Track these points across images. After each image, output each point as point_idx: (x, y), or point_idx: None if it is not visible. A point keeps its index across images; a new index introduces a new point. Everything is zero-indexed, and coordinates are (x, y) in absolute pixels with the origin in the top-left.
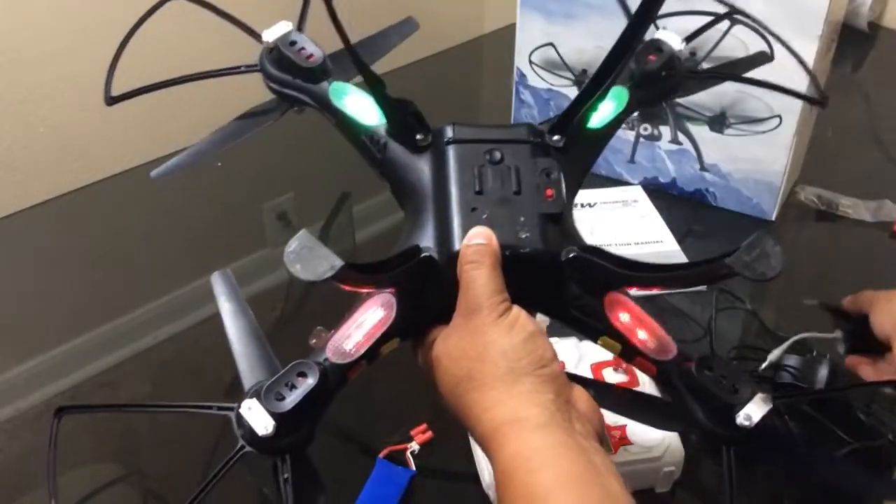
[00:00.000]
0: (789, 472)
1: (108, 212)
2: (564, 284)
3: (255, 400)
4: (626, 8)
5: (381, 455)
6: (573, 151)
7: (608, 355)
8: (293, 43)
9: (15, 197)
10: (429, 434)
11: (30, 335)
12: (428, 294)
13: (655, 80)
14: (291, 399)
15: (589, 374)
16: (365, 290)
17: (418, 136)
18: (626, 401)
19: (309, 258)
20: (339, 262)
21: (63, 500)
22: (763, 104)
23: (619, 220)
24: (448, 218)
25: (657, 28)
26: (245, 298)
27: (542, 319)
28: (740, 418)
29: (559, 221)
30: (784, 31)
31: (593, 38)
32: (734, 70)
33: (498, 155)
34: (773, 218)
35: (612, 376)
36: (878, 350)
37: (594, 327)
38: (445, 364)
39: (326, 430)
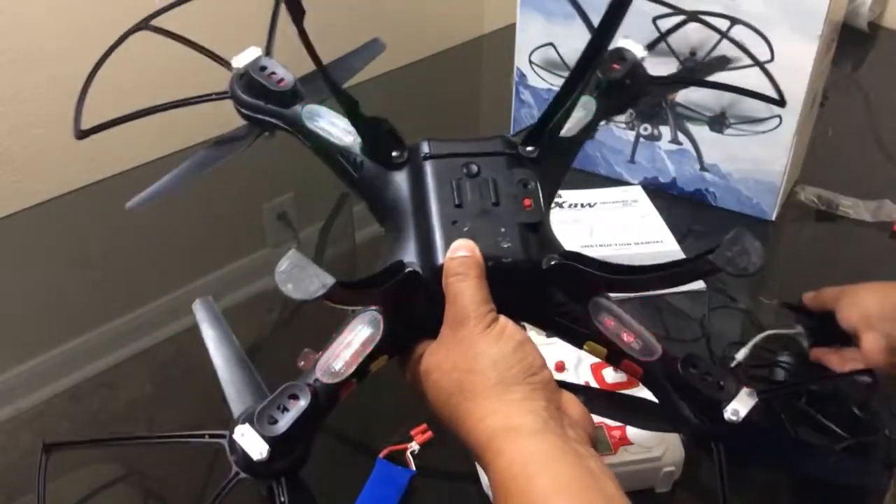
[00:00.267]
0: (778, 466)
1: (108, 212)
2: (547, 292)
3: (247, 425)
4: (586, 20)
5: (381, 455)
6: (547, 161)
7: None
8: (263, 68)
9: (15, 197)
10: (429, 434)
11: (30, 335)
12: (414, 309)
13: (621, 87)
14: (284, 422)
15: (589, 375)
16: (351, 308)
17: (394, 153)
18: (614, 404)
19: (300, 277)
20: (330, 281)
21: (62, 499)
22: (763, 104)
23: (619, 220)
24: (429, 232)
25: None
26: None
27: None
28: (728, 413)
29: (538, 230)
30: (784, 31)
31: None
32: (695, 75)
33: (475, 168)
34: (773, 218)
35: (612, 377)
36: (841, 343)
37: (579, 333)
38: (435, 377)
39: (326, 431)
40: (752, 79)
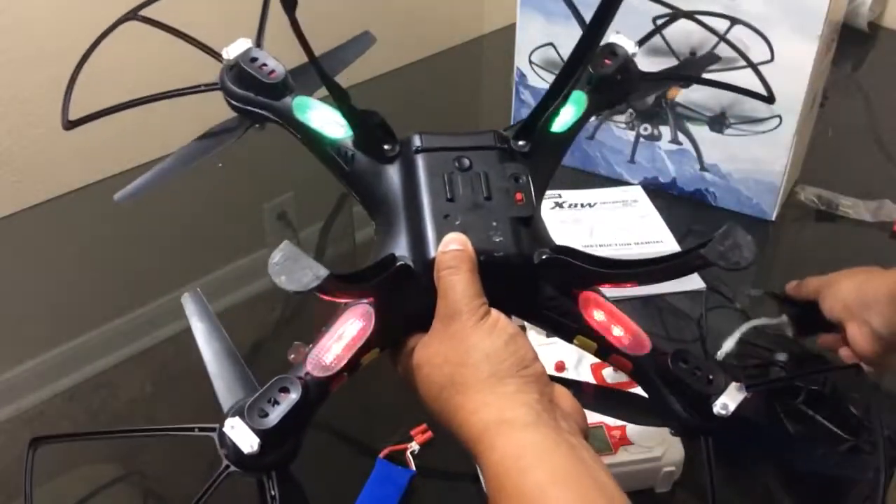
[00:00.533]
0: (767, 459)
1: (108, 212)
2: (538, 286)
3: (237, 418)
4: (578, 16)
5: (381, 455)
6: (538, 155)
7: None
8: (254, 59)
9: (15, 197)
10: (429, 434)
11: (30, 335)
12: (405, 302)
13: (611, 83)
14: (275, 415)
15: (589, 375)
16: (343, 301)
17: (386, 147)
18: (604, 399)
19: (293, 269)
20: (323, 272)
21: (60, 499)
22: (763, 104)
23: (619, 220)
24: (421, 226)
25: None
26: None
27: None
28: (717, 408)
29: (530, 224)
30: (784, 31)
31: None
32: (686, 71)
33: (466, 162)
34: (773, 218)
35: (612, 376)
36: (825, 331)
37: (569, 327)
38: (427, 371)
39: (326, 430)
40: (752, 77)
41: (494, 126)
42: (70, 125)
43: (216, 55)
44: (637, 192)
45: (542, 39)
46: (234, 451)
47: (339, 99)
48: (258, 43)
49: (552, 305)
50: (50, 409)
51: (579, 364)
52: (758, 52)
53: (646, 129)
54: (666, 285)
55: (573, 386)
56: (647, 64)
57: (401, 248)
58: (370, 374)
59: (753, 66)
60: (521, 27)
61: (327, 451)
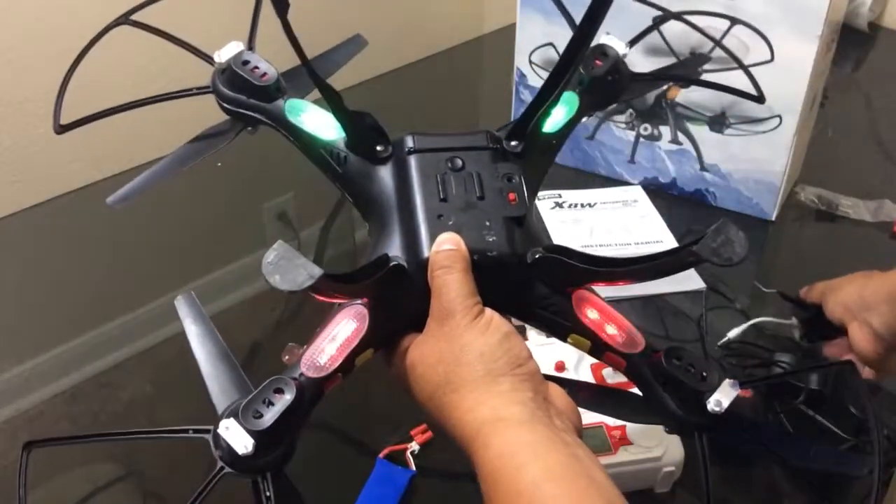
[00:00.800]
0: (760, 455)
1: (108, 212)
2: (532, 285)
3: (232, 419)
4: (568, 16)
5: (381, 455)
6: (530, 156)
7: None
8: (246, 62)
9: (15, 197)
10: (429, 434)
11: (30, 335)
12: (399, 303)
13: (603, 84)
14: (270, 416)
15: (589, 375)
16: (337, 301)
17: (378, 148)
18: (599, 397)
19: (287, 268)
20: (317, 272)
21: (58, 501)
22: (763, 104)
23: (619, 220)
24: (415, 226)
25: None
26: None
27: None
28: (711, 405)
29: (523, 224)
30: (784, 31)
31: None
32: (678, 71)
33: (459, 162)
34: (773, 218)
35: (612, 376)
36: (832, 335)
37: (563, 326)
38: (421, 371)
39: (326, 430)
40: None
41: (495, 126)
42: (62, 129)
43: (208, 58)
44: (637, 192)
45: (542, 39)
46: (229, 452)
47: (332, 101)
48: (250, 46)
49: (546, 304)
50: (50, 409)
51: (579, 364)
52: (758, 52)
53: (646, 129)
54: (666, 285)
55: (567, 385)
56: (647, 63)
57: (394, 249)
58: (370, 374)
59: (744, 68)
60: (521, 27)
61: (327, 451)
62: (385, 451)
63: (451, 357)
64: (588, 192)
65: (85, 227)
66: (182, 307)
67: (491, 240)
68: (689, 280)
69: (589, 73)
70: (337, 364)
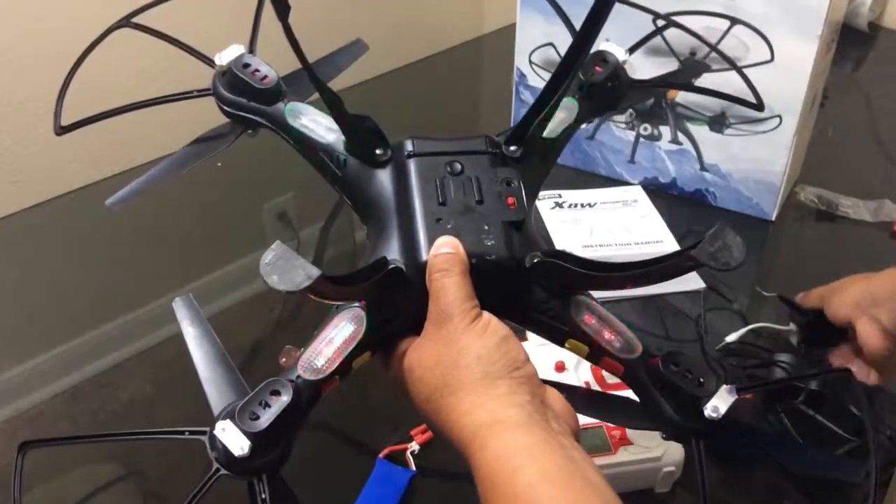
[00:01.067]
0: (758, 461)
1: (108, 212)
2: (530, 290)
3: (228, 421)
4: (567, 22)
5: (381, 455)
6: (530, 161)
7: None
8: (246, 65)
9: (15, 197)
10: (429, 434)
11: (30, 335)
12: (397, 305)
13: (602, 90)
14: (266, 418)
15: (589, 376)
16: (335, 303)
17: (378, 151)
18: (596, 402)
19: (285, 268)
20: (315, 272)
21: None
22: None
23: (619, 220)
24: (413, 229)
25: None
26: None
27: None
28: (708, 410)
29: (521, 228)
30: (784, 31)
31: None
32: (676, 78)
33: (458, 166)
34: (773, 218)
35: (612, 378)
36: (831, 342)
37: (561, 331)
38: (419, 374)
39: (326, 430)
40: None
41: (494, 127)
42: (62, 131)
43: (209, 61)
44: (637, 192)
45: (542, 39)
46: (225, 453)
47: (332, 104)
48: (251, 49)
49: (544, 309)
50: (50, 409)
51: (579, 364)
52: (758, 52)
53: (646, 129)
54: (666, 285)
55: (565, 389)
56: (647, 64)
57: (393, 252)
58: (370, 374)
59: (743, 75)
60: (521, 27)
61: (327, 451)
62: (385, 451)
63: (448, 360)
64: (588, 192)
65: (85, 227)
66: (180, 309)
67: (489, 244)
68: (688, 280)
69: (589, 79)
70: (334, 367)
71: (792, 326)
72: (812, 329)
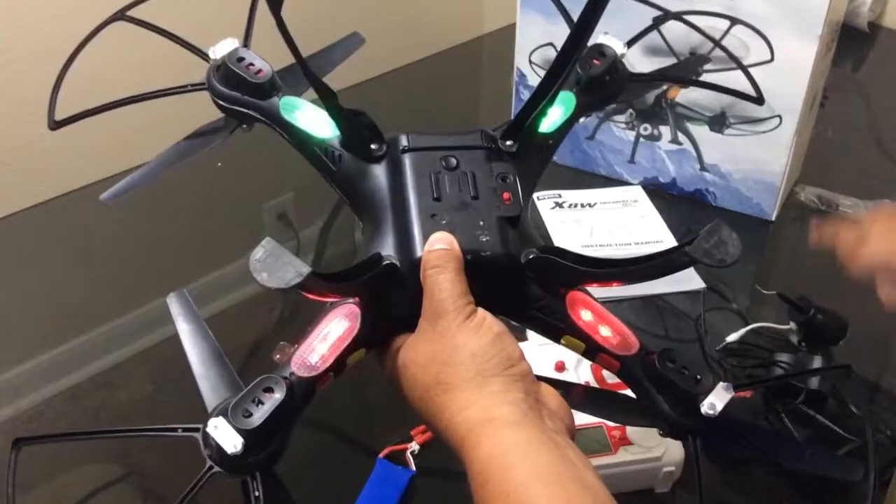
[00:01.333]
0: (755, 459)
1: (109, 212)
2: (525, 286)
3: (221, 418)
4: (566, 15)
5: (381, 455)
6: (526, 156)
7: None
8: (241, 59)
9: (15, 197)
10: (429, 434)
11: (30, 335)
12: (391, 302)
13: (600, 83)
14: (259, 415)
15: (589, 375)
16: (329, 300)
17: (373, 146)
18: (592, 399)
19: (275, 266)
20: (305, 269)
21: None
22: (762, 105)
23: (619, 220)
24: (408, 225)
25: None
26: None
27: None
28: (704, 408)
29: (517, 224)
30: (784, 31)
31: (593, 38)
32: (676, 72)
33: (454, 161)
34: (773, 218)
35: (612, 377)
36: (831, 341)
37: (557, 327)
38: (413, 371)
39: (326, 430)
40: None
41: (494, 127)
42: (56, 125)
43: (203, 55)
44: (637, 192)
45: (542, 39)
46: (218, 451)
47: (326, 98)
48: (246, 43)
49: (539, 305)
50: (49, 409)
51: (580, 364)
52: (758, 52)
53: (646, 129)
54: (666, 285)
55: (560, 386)
56: (647, 64)
57: (387, 248)
58: (370, 373)
59: (744, 69)
60: (521, 27)
61: (327, 451)
62: (385, 451)
63: (442, 357)
64: (588, 192)
65: (85, 227)
66: (174, 305)
67: (484, 240)
68: (688, 280)
69: (586, 73)
70: (328, 363)
71: (792, 325)
72: (811, 327)
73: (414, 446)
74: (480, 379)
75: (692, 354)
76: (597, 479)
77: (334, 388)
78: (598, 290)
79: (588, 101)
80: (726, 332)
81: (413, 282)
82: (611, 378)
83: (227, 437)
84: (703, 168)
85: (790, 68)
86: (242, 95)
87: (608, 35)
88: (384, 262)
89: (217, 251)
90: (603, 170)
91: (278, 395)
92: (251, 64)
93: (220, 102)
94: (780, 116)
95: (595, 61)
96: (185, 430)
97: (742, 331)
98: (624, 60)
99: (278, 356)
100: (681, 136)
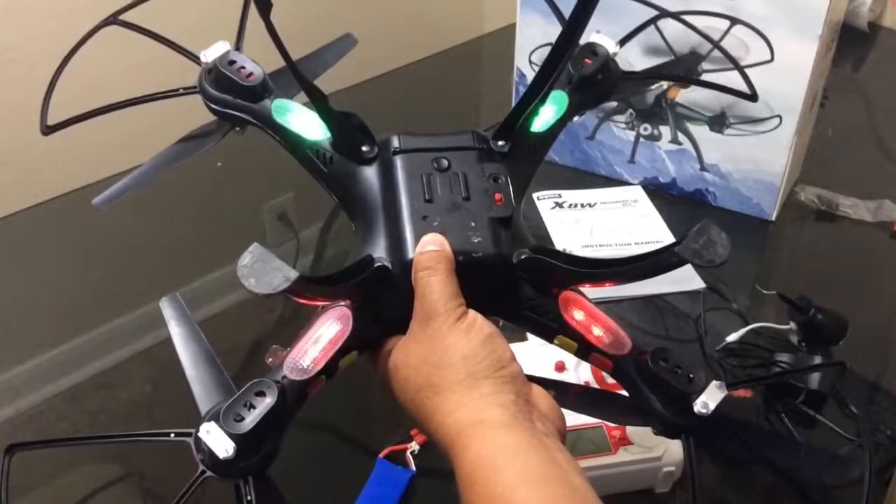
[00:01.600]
0: (749, 458)
1: (109, 212)
2: (518, 286)
3: (213, 423)
4: (558, 13)
5: (381, 455)
6: (518, 156)
7: None
8: (232, 62)
9: (15, 197)
10: None
11: (29, 335)
12: (383, 304)
13: (592, 82)
14: (251, 419)
15: (589, 375)
16: (320, 304)
17: (364, 148)
18: (586, 398)
19: (263, 271)
20: (293, 274)
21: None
22: (763, 104)
23: (619, 220)
24: (399, 227)
25: None
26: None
27: None
28: (697, 406)
29: (509, 225)
30: (784, 31)
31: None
32: (669, 70)
33: (445, 163)
34: (773, 218)
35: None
36: (831, 341)
37: (549, 327)
38: (404, 373)
39: (326, 430)
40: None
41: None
42: (48, 130)
43: (195, 58)
44: (637, 192)
45: (542, 39)
46: (210, 456)
47: (316, 101)
48: (237, 46)
49: (532, 305)
50: (50, 409)
51: (579, 364)
52: (758, 52)
53: (646, 129)
54: (666, 285)
55: (553, 386)
56: (647, 63)
57: (379, 250)
58: (370, 373)
59: (738, 67)
60: (521, 27)
61: (327, 451)
62: (385, 451)
63: (433, 359)
64: (588, 192)
65: (85, 227)
66: (166, 309)
67: (476, 241)
68: (688, 280)
69: (578, 72)
70: (320, 366)
71: (792, 325)
72: (811, 327)
73: (414, 446)
74: (471, 381)
75: (692, 354)
76: (585, 481)
77: (334, 389)
78: (594, 291)
79: (580, 100)
80: (726, 332)
81: (405, 284)
82: (611, 378)
83: (218, 441)
84: (703, 168)
85: (790, 68)
86: (234, 98)
87: (600, 34)
88: (375, 265)
89: (217, 251)
90: (603, 170)
91: (270, 399)
92: (242, 67)
93: (212, 106)
94: (780, 116)
95: (587, 60)
96: (177, 434)
97: (742, 331)
98: (620, 60)
99: (270, 359)
100: (681, 136)
